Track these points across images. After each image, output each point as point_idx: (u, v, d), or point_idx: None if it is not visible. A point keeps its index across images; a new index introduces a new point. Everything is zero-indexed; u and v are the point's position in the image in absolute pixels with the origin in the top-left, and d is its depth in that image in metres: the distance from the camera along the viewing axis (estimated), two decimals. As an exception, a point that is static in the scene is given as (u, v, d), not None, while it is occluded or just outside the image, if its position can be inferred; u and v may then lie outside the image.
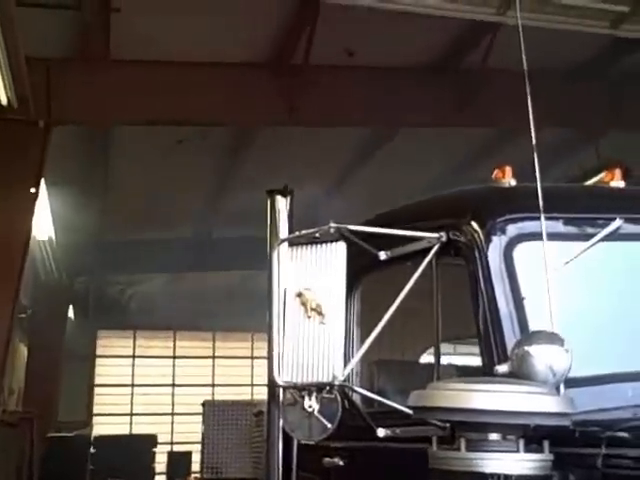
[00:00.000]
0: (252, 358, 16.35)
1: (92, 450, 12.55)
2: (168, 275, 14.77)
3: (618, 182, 2.81)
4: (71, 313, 14.08)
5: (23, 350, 11.01)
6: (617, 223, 2.51)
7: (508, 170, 2.70)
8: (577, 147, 9.14)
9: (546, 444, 1.99)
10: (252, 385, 15.63)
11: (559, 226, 2.52)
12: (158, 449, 13.84)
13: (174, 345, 16.81)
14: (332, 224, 2.44)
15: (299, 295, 2.43)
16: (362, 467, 2.86)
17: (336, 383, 2.27)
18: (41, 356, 11.26)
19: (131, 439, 14.32)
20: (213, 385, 16.39)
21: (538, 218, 2.40)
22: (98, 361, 16.44)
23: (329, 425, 2.39)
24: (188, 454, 13.17)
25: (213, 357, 16.66)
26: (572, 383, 2.19)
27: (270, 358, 2.44)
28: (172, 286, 15.13)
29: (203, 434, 6.58)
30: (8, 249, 7.00)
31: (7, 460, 10.13)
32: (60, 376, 13.34)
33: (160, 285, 15.11)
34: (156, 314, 15.32)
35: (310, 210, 8.21)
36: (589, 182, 3.35)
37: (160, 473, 13.65)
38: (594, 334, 2.44)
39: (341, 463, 2.96)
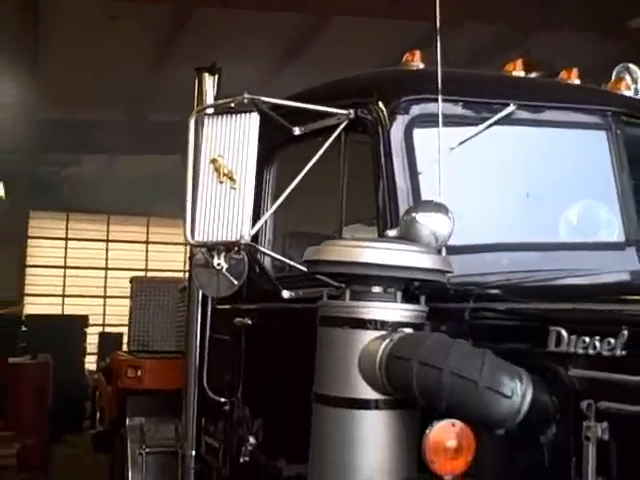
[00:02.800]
0: (186, 245, 16.50)
1: (24, 328, 12.72)
2: (103, 158, 14.66)
3: (519, 72, 2.99)
4: (2, 192, 13.92)
5: (-48, 226, 10.97)
6: (510, 108, 2.72)
7: (417, 54, 2.86)
8: (509, 46, 9.31)
9: (422, 298, 2.25)
10: (185, 271, 15.85)
11: (457, 109, 2.71)
12: (90, 330, 14.12)
13: (107, 229, 16.86)
14: (246, 94, 2.58)
15: (213, 161, 2.59)
16: (268, 326, 3.10)
17: (242, 242, 2.46)
18: (-30, 233, 11.24)
19: (63, 319, 14.51)
20: (146, 270, 16.58)
21: (448, 100, 2.59)
22: (31, 242, 16.39)
23: (236, 282, 2.60)
24: (119, 335, 13.41)
25: (147, 242, 16.80)
26: (455, 250, 2.44)
27: (183, 220, 2.60)
28: (107, 170, 15.04)
29: (131, 309, 6.79)
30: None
31: None
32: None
33: (95, 168, 15.01)
34: (90, 197, 15.25)
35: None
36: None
37: (91, 353, 13.98)
38: (480, 209, 2.68)
39: (250, 322, 3.21)
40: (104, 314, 16.55)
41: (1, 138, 11.36)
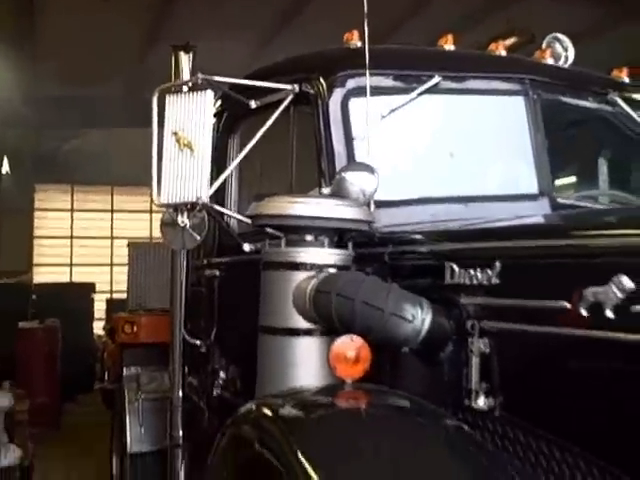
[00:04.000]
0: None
1: (33, 297, 13.21)
2: (104, 131, 15.02)
3: (450, 46, 3.36)
4: (7, 167, 14.36)
5: (-41, 199, 11.41)
6: (435, 79, 3.09)
7: (355, 33, 3.22)
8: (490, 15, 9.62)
9: (350, 245, 2.66)
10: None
11: (388, 81, 3.09)
12: (98, 297, 14.63)
13: (112, 200, 17.31)
14: (200, 75, 2.96)
15: (174, 134, 2.98)
16: (233, 276, 3.52)
17: (200, 202, 2.87)
18: (-22, 207, 11.70)
19: (71, 286, 15.03)
20: (151, 238, 17.02)
21: (372, 74, 2.97)
22: (37, 214, 16.89)
23: (198, 237, 3.00)
24: (125, 301, 13.90)
25: (150, 212, 17.20)
26: (384, 204, 2.84)
27: (151, 184, 3.00)
28: (108, 142, 15.39)
29: (129, 272, 7.24)
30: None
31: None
32: (-1, 227, 13.81)
33: (96, 141, 15.38)
34: (93, 169, 15.68)
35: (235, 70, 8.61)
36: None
37: (100, 319, 14.50)
38: (408, 168, 3.08)
39: (218, 274, 3.64)
40: (111, 282, 17.04)
41: (4, 115, 11.77)
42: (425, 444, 1.91)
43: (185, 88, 3.07)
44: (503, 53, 3.45)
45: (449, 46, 3.36)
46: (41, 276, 16.15)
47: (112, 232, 17.24)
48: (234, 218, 3.07)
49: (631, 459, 1.79)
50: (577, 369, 2.00)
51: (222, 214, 3.05)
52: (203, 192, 2.88)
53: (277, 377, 2.52)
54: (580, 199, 3.19)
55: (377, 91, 2.97)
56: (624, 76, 3.63)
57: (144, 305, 6.92)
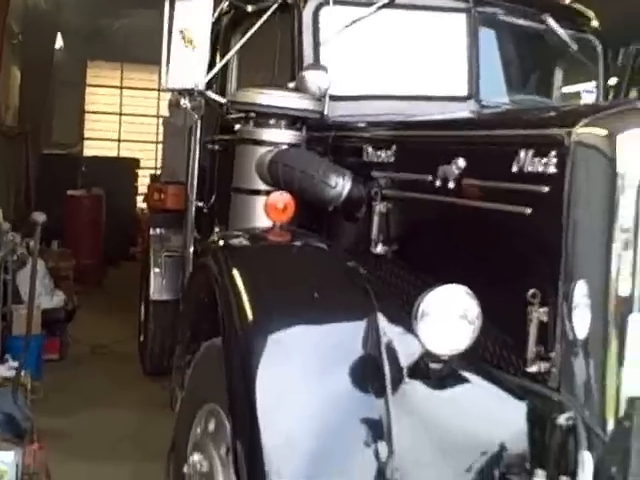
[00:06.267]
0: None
1: (83, 168, 14.21)
2: (156, 11, 15.58)
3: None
4: (61, 42, 15.15)
5: (17, 73, 12.25)
6: (391, -4, 3.79)
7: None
8: None
9: (304, 128, 3.46)
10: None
11: (353, -5, 3.80)
12: (142, 173, 15.59)
13: (159, 79, 17.99)
14: (199, -14, 3.70)
15: (181, 31, 3.75)
16: (227, 150, 4.34)
17: (197, 89, 3.66)
18: (33, 80, 12.53)
19: (117, 160, 16.01)
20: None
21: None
22: (88, 89, 17.76)
23: (196, 116, 3.84)
24: (160, 174, 14.76)
25: (195, 93, 17.91)
26: (338, 98, 3.61)
27: (160, 72, 3.79)
28: (160, 23, 15.96)
29: (163, 147, 8.10)
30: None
31: (6, 170, 11.80)
32: (52, 100, 14.70)
33: (147, 22, 15.95)
34: (143, 48, 16.31)
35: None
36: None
37: (143, 193, 15.52)
38: (364, 70, 3.82)
39: (218, 148, 4.47)
40: (156, 158, 17.97)
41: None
42: (323, 269, 2.73)
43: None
44: (456, -25, 4.10)
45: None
46: (91, 149, 17.15)
47: (158, 110, 18.04)
48: (219, 103, 3.88)
49: (471, 280, 2.52)
50: (436, 223, 2.82)
51: (213, 99, 3.84)
52: (199, 80, 3.68)
53: (242, 223, 3.39)
54: (504, 102, 3.91)
55: (343, 4, 3.70)
56: None
57: (175, 177, 7.78)
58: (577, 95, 4.33)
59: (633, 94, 4.23)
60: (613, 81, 4.24)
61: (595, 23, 4.32)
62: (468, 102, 3.79)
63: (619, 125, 2.14)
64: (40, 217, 4.24)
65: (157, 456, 3.23)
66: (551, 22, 4.00)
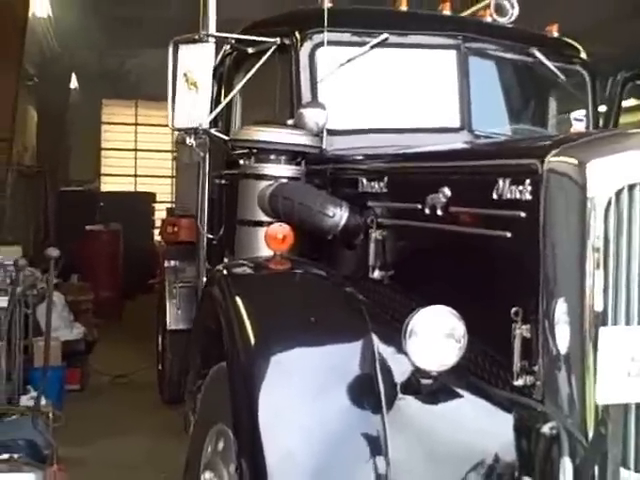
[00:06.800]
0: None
1: (101, 204, 14.50)
2: (165, 50, 15.98)
3: (403, 6, 4.24)
4: (76, 83, 15.56)
5: (33, 113, 12.63)
6: (384, 36, 3.99)
7: (326, -5, 4.13)
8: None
9: (303, 162, 3.66)
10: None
11: (347, 36, 4.01)
12: (159, 207, 15.88)
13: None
14: (202, 32, 3.93)
15: (184, 75, 3.97)
16: (232, 184, 4.52)
17: (201, 128, 3.88)
18: (49, 120, 12.91)
19: (134, 195, 16.35)
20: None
21: (336, 31, 3.90)
22: (104, 127, 18.18)
23: (202, 154, 4.06)
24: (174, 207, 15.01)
25: (207, 128, 18.26)
26: (335, 133, 3.81)
27: (168, 113, 4.01)
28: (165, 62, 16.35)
29: (176, 182, 8.36)
30: (10, 21, 8.33)
31: (25, 208, 12.11)
32: (68, 138, 15.08)
33: (158, 59, 16.37)
34: (156, 85, 16.71)
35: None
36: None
37: (159, 227, 15.80)
38: (359, 106, 4.02)
39: (225, 182, 4.67)
40: (172, 192, 18.29)
41: (72, 35, 12.87)
42: (320, 294, 2.90)
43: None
44: (447, 12, 4.31)
45: (402, 7, 4.24)
46: (109, 185, 17.51)
47: (173, 146, 18.39)
48: (223, 140, 4.09)
49: (460, 300, 2.66)
50: (427, 249, 2.99)
51: (217, 137, 4.06)
52: (203, 120, 3.90)
53: (246, 253, 3.58)
54: (497, 132, 4.09)
55: (337, 44, 3.91)
56: (555, 31, 4.44)
57: (187, 211, 8.01)
58: (570, 123, 4.51)
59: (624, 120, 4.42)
60: (603, 109, 4.42)
61: (583, 55, 4.51)
62: (461, 133, 3.97)
63: (588, 154, 2.30)
64: (54, 252, 4.48)
65: (174, 479, 3.39)
66: (539, 55, 4.18)
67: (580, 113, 4.34)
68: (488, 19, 4.33)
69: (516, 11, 4.47)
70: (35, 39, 11.27)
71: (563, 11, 9.95)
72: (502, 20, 4.40)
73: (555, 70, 4.23)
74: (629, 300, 2.24)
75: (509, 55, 4.21)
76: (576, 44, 4.55)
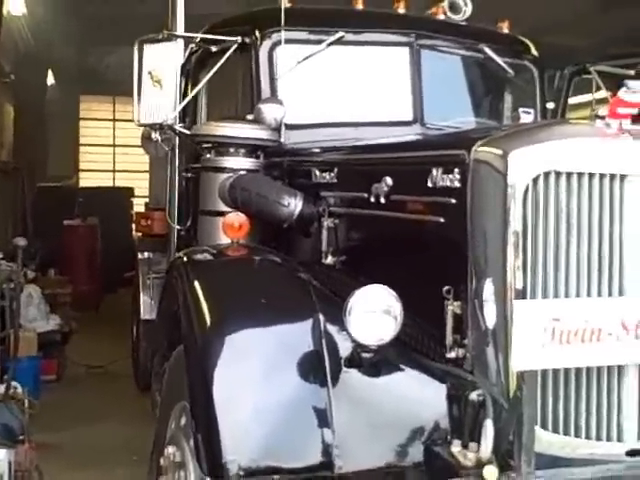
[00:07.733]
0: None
1: (80, 199, 14.58)
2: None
3: (359, 5, 4.44)
4: (53, 80, 15.64)
5: (10, 110, 12.72)
6: (340, 34, 4.20)
7: (285, -6, 4.32)
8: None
9: (261, 155, 3.87)
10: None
11: (304, 35, 4.21)
12: (138, 201, 15.96)
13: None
14: (165, 32, 4.12)
15: (149, 72, 4.16)
16: (198, 176, 4.71)
17: (166, 123, 4.07)
18: (26, 116, 13.00)
19: (112, 190, 16.40)
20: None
21: (294, 30, 4.11)
22: (82, 123, 18.27)
23: (167, 148, 4.25)
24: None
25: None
26: (293, 127, 4.02)
27: (133, 109, 4.19)
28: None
29: (149, 176, 8.51)
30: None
31: (2, 204, 12.18)
32: (45, 134, 15.16)
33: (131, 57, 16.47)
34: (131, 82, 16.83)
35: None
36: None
37: (137, 220, 15.92)
38: (316, 101, 4.22)
39: (191, 175, 4.85)
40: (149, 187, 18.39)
41: (45, 34, 12.96)
42: (272, 278, 3.08)
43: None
44: (402, 11, 4.51)
45: (358, 6, 4.44)
46: (88, 181, 17.59)
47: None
48: (185, 135, 4.29)
49: (400, 280, 2.86)
50: (372, 234, 3.21)
51: (181, 132, 4.25)
52: (169, 116, 4.09)
53: (208, 242, 3.79)
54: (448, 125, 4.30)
55: (295, 42, 4.11)
56: (505, 28, 4.66)
57: (160, 204, 8.17)
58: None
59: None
60: (550, 104, 4.65)
61: (533, 50, 4.73)
62: (413, 126, 4.18)
63: (510, 144, 2.52)
64: (21, 241, 4.71)
65: (148, 461, 3.55)
66: (488, 51, 4.40)
67: (528, 106, 4.55)
68: (442, 17, 4.52)
69: (469, 9, 4.68)
70: (11, 37, 11.37)
71: (533, 5, 10.21)
72: (456, 18, 4.61)
73: (504, 65, 4.44)
74: (546, 278, 2.46)
75: (460, 51, 4.42)
76: (526, 40, 4.78)
